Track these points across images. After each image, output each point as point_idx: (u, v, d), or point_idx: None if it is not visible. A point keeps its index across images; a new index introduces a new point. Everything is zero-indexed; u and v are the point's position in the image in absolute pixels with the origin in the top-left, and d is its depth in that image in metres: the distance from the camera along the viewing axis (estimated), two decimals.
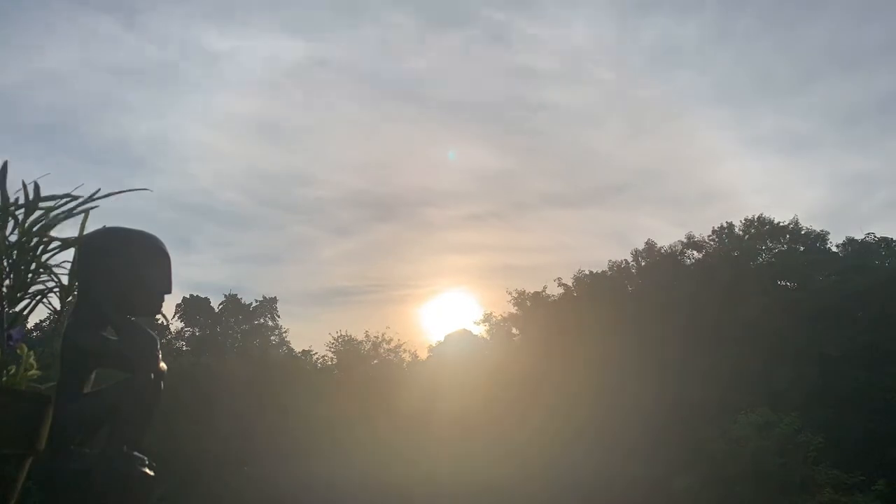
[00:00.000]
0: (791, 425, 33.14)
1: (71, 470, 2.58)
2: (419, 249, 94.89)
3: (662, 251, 54.07)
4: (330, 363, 55.11)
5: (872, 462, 35.27)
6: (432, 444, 40.72)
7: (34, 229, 2.34)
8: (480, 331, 55.77)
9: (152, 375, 2.75)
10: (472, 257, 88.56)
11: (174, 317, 65.38)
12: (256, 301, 70.05)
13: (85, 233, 2.54)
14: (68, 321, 2.67)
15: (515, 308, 54.62)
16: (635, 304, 49.12)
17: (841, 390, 41.13)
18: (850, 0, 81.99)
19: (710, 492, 34.16)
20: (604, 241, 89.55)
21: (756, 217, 53.75)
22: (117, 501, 2.63)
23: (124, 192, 2.61)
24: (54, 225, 2.39)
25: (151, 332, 2.82)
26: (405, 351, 55.77)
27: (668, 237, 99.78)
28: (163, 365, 2.81)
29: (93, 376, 2.78)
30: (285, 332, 69.44)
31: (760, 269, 50.71)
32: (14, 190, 2.35)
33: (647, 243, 54.80)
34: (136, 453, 2.68)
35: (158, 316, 2.95)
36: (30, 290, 2.38)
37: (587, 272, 54.28)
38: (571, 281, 54.03)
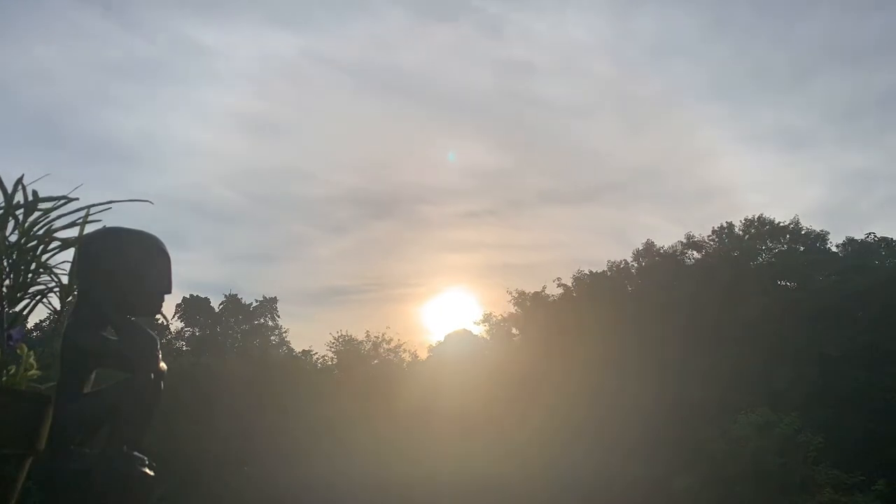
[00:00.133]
0: (791, 425, 33.13)
1: (71, 470, 2.58)
2: (416, 248, 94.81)
3: (662, 251, 54.11)
4: (330, 363, 55.11)
5: (872, 462, 35.26)
6: (433, 444, 40.72)
7: (34, 230, 2.35)
8: (480, 331, 55.88)
9: (152, 375, 2.75)
10: (469, 255, 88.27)
11: (174, 317, 65.40)
12: (256, 301, 70.14)
13: (85, 233, 2.54)
14: (68, 321, 2.67)
15: (515, 308, 54.69)
16: (635, 304, 49.12)
17: (841, 390, 41.13)
18: None
19: (710, 492, 34.16)
20: (601, 239, 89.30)
21: (756, 217, 53.83)
22: (117, 501, 2.63)
23: (126, 201, 2.62)
24: (56, 229, 2.40)
25: (151, 332, 2.82)
26: (405, 351, 55.82)
27: (665, 234, 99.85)
28: (163, 365, 2.81)
29: (93, 376, 2.78)
30: (285, 332, 69.53)
31: (760, 269, 50.72)
32: (8, 189, 2.35)
33: (646, 243, 54.87)
34: (136, 453, 2.69)
35: (158, 316, 2.95)
36: (30, 290, 2.38)
37: (587, 272, 54.34)
38: (571, 281, 54.10)
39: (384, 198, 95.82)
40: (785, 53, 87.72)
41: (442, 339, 56.78)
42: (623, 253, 55.02)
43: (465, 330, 56.29)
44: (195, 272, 76.72)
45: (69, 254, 2.53)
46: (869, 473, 32.52)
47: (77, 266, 2.58)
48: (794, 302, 46.30)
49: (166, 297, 2.91)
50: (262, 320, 70.34)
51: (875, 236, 52.38)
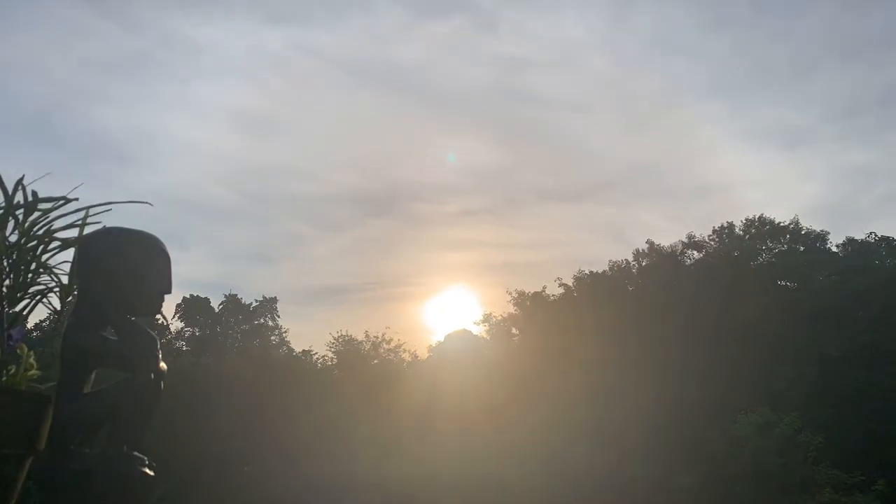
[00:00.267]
0: (791, 425, 33.12)
1: (71, 470, 2.58)
2: (415, 246, 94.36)
3: (663, 251, 54.12)
4: (330, 363, 55.10)
5: (872, 462, 35.26)
6: (433, 444, 40.73)
7: (34, 230, 2.35)
8: (480, 331, 55.89)
9: (152, 375, 2.75)
10: (467, 254, 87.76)
11: (174, 317, 65.41)
12: (256, 301, 70.14)
13: (84, 233, 2.54)
14: (68, 321, 2.67)
15: (515, 308, 54.72)
16: (635, 304, 49.12)
17: (841, 390, 41.13)
18: None
19: (710, 492, 34.15)
20: (600, 237, 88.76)
21: (756, 217, 53.87)
22: (117, 501, 2.63)
23: (126, 202, 2.62)
24: (56, 229, 2.40)
25: (151, 332, 2.82)
26: (405, 351, 55.81)
27: (664, 232, 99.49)
28: (163, 365, 2.82)
29: (93, 376, 2.78)
30: (285, 332, 69.53)
31: (760, 269, 50.73)
32: (9, 189, 2.35)
33: (647, 243, 54.91)
34: (136, 453, 2.69)
35: (158, 316, 2.96)
36: (30, 290, 2.38)
37: (587, 272, 54.38)
38: (571, 281, 54.13)
39: (381, 196, 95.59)
40: (784, 50, 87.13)
41: (442, 338, 56.91)
42: (621, 251, 55.05)
43: (465, 330, 56.35)
44: (191, 271, 76.38)
45: (69, 254, 2.53)
46: (869, 473, 32.51)
47: (77, 266, 2.58)
48: (794, 302, 46.31)
49: (166, 297, 2.92)
50: (262, 320, 70.35)
51: (875, 236, 52.47)
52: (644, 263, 54.31)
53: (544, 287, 54.38)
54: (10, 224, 2.32)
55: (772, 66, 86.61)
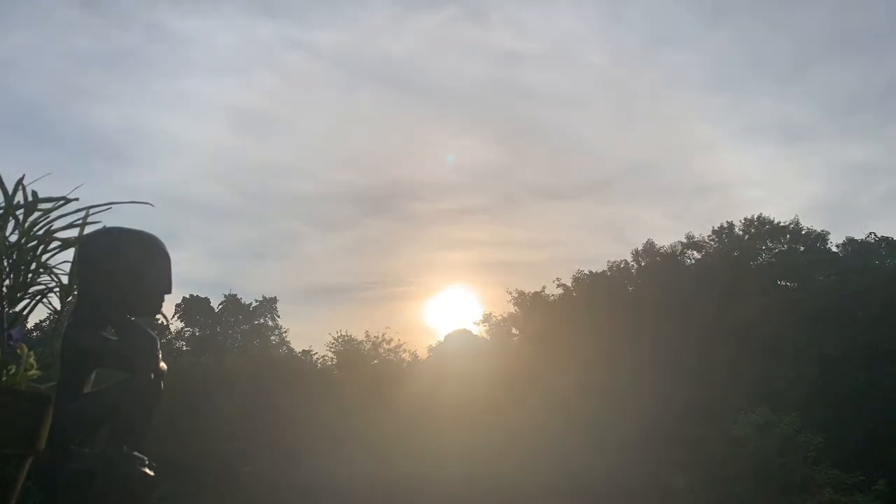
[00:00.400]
0: (791, 425, 33.12)
1: (71, 470, 2.58)
2: (413, 246, 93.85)
3: (662, 251, 54.14)
4: (330, 363, 55.13)
5: (872, 462, 35.26)
6: (433, 444, 40.73)
7: (34, 230, 2.35)
8: (480, 331, 55.94)
9: (152, 375, 2.76)
10: (465, 253, 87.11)
11: (174, 317, 65.38)
12: (256, 301, 70.12)
13: (84, 233, 2.54)
14: (68, 321, 2.67)
15: (515, 308, 54.75)
16: (635, 304, 49.12)
17: (841, 390, 41.13)
18: None
19: (710, 492, 34.15)
20: (598, 236, 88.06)
21: (756, 217, 53.89)
22: (117, 501, 2.63)
23: (126, 203, 2.62)
24: (56, 229, 2.40)
25: (151, 332, 2.83)
26: (405, 351, 55.83)
27: (662, 230, 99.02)
28: (163, 365, 2.82)
29: (93, 376, 2.78)
30: (285, 332, 69.51)
31: (760, 269, 50.74)
32: (9, 189, 2.35)
33: (646, 243, 54.92)
34: (136, 453, 2.69)
35: (158, 316, 2.96)
36: (30, 290, 2.38)
37: (586, 272, 54.39)
38: (571, 281, 54.15)
39: (378, 194, 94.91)
40: (784, 43, 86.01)
41: (442, 338, 56.93)
42: (620, 249, 54.98)
43: (465, 330, 56.41)
44: (189, 270, 76.01)
45: (69, 254, 2.53)
46: (869, 473, 32.52)
47: (77, 266, 2.58)
48: (794, 302, 46.32)
49: (166, 297, 2.92)
50: (261, 320, 70.33)
51: (875, 236, 52.50)
52: (643, 263, 54.33)
53: (544, 287, 54.48)
54: (10, 224, 2.32)
55: (771, 60, 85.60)
